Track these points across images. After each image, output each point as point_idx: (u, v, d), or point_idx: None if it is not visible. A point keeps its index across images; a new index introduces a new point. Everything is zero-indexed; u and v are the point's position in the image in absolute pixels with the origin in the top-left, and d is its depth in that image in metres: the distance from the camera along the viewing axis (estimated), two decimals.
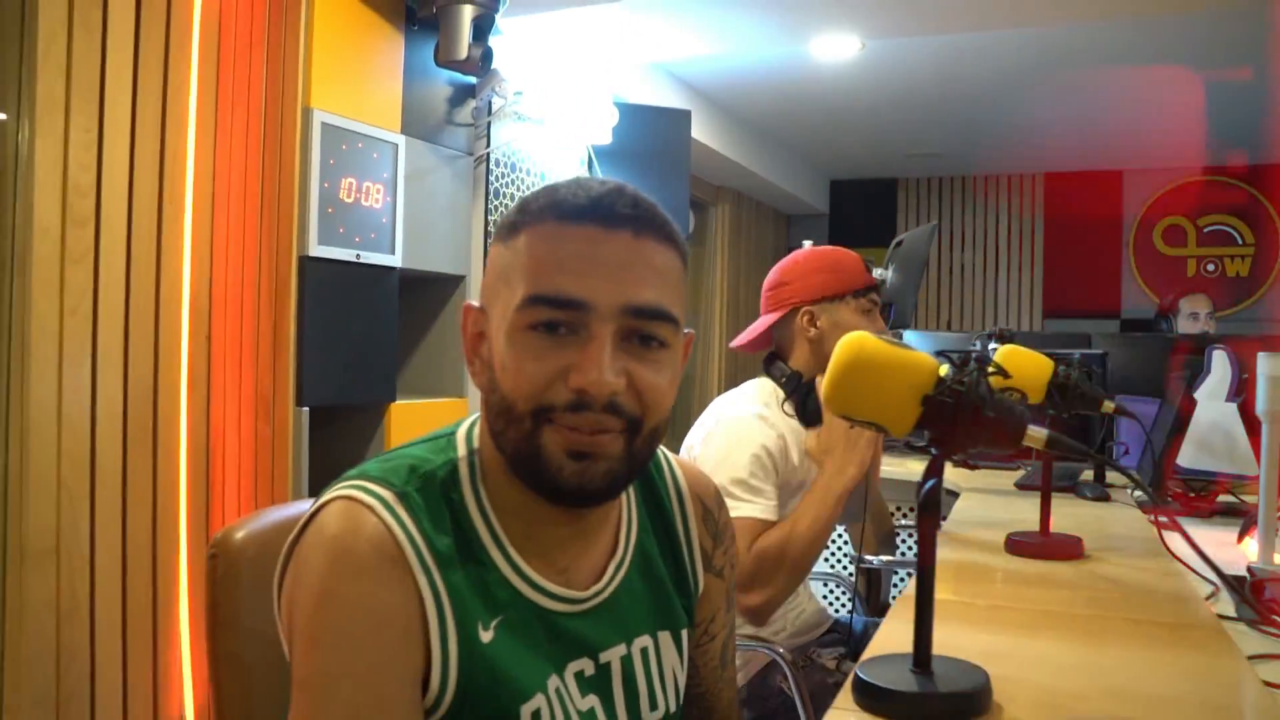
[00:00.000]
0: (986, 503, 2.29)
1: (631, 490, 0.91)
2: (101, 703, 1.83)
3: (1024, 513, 1.73)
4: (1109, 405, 1.76)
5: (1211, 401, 2.39)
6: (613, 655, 0.85)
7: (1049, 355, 1.80)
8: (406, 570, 0.74)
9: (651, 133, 2.99)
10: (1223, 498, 2.23)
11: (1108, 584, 1.50)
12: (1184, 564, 1.62)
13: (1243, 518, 1.93)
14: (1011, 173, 5.45)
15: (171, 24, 1.93)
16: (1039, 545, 1.68)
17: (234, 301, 2.02)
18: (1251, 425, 2.19)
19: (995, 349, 2.13)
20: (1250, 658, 1.14)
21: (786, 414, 1.64)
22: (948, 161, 5.35)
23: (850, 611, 2.30)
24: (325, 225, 2.01)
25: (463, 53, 2.09)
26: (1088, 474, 2.57)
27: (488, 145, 2.47)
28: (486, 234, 2.66)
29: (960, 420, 0.90)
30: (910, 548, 3.05)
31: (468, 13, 2.07)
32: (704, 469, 1.56)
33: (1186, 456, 2.65)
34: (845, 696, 0.95)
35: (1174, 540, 1.94)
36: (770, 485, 1.57)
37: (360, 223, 2.08)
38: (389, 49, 2.17)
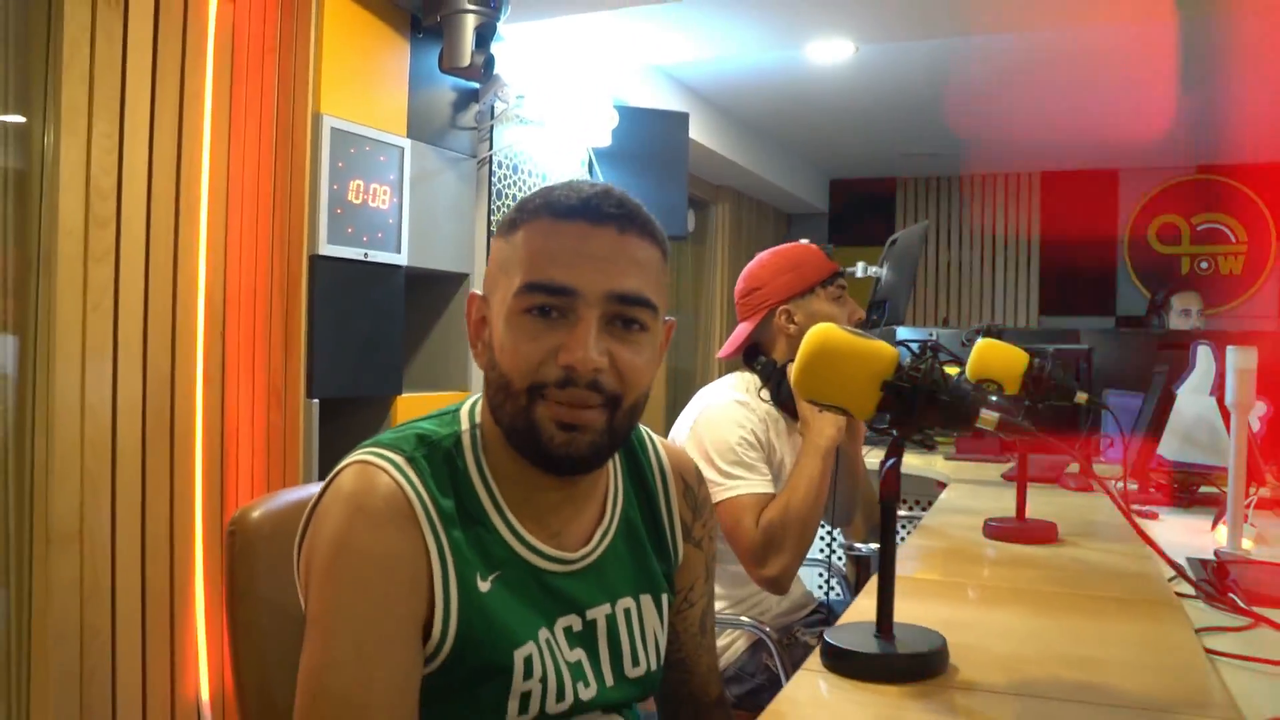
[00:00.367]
0: (973, 492, 2.36)
1: (618, 465, 1.00)
2: (122, 679, 1.91)
3: (1007, 501, 1.80)
4: (1081, 396, 1.83)
5: (1196, 396, 2.45)
6: (598, 613, 0.93)
7: (1027, 350, 1.88)
8: (415, 525, 0.83)
9: (650, 134, 3.06)
10: (1205, 488, 2.29)
11: (1076, 565, 1.58)
12: (1154, 547, 1.69)
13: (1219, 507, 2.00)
14: (1008, 172, 5.49)
15: (188, 34, 2.01)
16: (1015, 530, 1.75)
17: (247, 298, 2.10)
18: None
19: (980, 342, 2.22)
20: (1199, 630, 1.22)
21: (763, 400, 1.74)
22: (945, 161, 5.38)
23: (828, 592, 2.38)
24: (334, 225, 2.07)
25: (466, 60, 2.16)
26: (1074, 467, 2.64)
27: (490, 148, 2.54)
28: (489, 233, 2.74)
29: (916, 404, 0.98)
30: (902, 539, 3.13)
31: (470, 21, 2.14)
32: (694, 456, 1.65)
33: (1171, 449, 2.72)
34: (814, 659, 1.03)
35: (1147, 527, 2.02)
36: (762, 462, 1.66)
37: (368, 223, 2.15)
38: (395, 56, 2.24)
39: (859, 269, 3.70)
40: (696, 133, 3.86)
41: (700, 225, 4.86)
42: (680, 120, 3.14)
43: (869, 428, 1.54)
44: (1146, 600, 1.33)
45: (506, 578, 0.87)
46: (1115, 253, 5.25)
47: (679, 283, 4.78)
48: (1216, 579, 1.48)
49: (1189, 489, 2.36)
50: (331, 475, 0.87)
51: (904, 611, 1.10)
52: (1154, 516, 2.16)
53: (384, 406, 2.29)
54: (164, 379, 1.99)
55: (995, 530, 1.76)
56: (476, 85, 2.39)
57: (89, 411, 1.85)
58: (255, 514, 1.20)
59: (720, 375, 1.90)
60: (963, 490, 2.46)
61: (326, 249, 2.07)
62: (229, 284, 2.11)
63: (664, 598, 1.00)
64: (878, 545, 2.40)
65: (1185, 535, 1.90)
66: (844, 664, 1.00)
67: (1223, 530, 1.83)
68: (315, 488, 0.99)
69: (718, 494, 1.63)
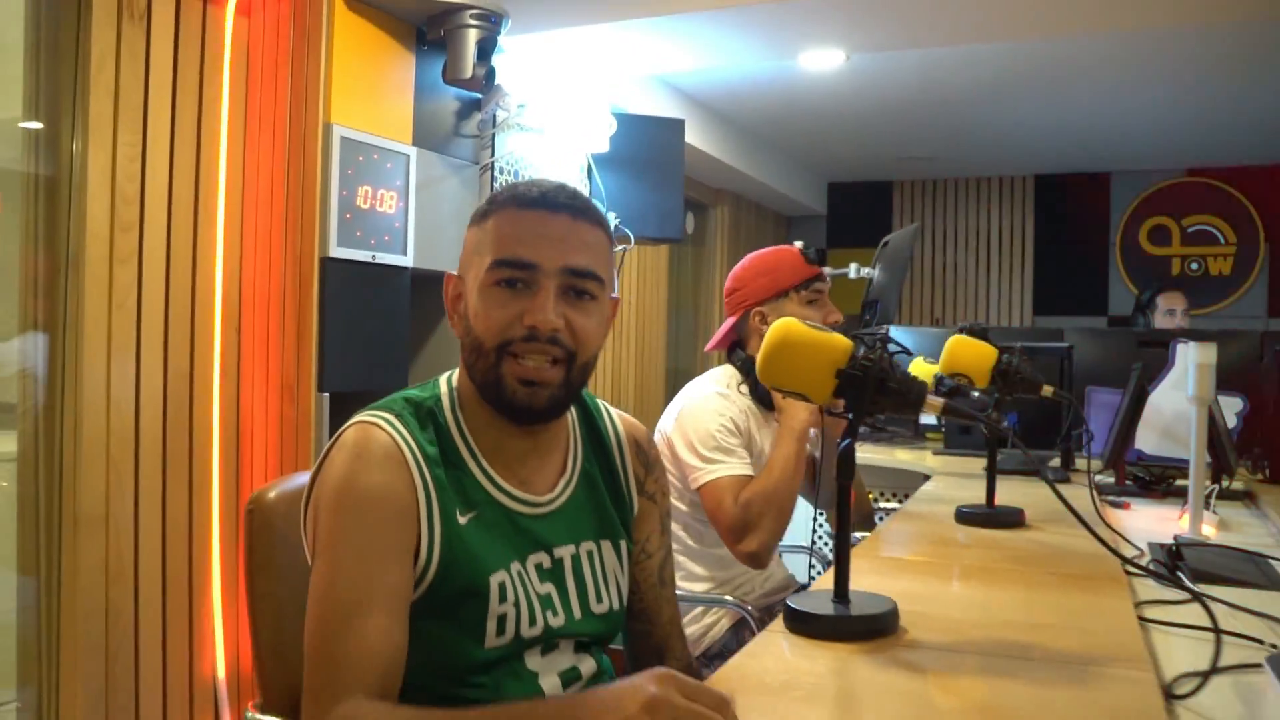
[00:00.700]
0: (955, 483, 2.46)
1: (577, 426, 1.15)
2: (144, 655, 2.02)
3: (984, 491, 1.88)
4: (1047, 390, 1.92)
5: (1174, 393, 2.53)
6: (564, 553, 1.07)
7: (998, 346, 1.99)
8: (405, 468, 0.98)
9: (647, 140, 3.14)
10: (1181, 481, 2.37)
11: (1037, 546, 1.68)
12: (1116, 532, 1.79)
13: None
14: (1003, 175, 5.56)
15: (206, 49, 2.12)
16: (984, 515, 1.85)
17: (261, 297, 2.20)
18: None
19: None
20: (1143, 602, 1.32)
21: (743, 394, 1.85)
22: (940, 164, 5.45)
23: (810, 574, 2.48)
24: (344, 229, 2.16)
25: (468, 72, 2.26)
26: (1055, 461, 2.73)
27: (492, 155, 2.64)
28: None
29: (867, 389, 1.09)
30: (881, 518, 3.22)
31: (472, 35, 2.24)
32: (679, 445, 1.76)
33: (1150, 444, 2.81)
34: (778, 622, 1.14)
35: (1119, 516, 2.12)
36: (741, 447, 1.77)
37: (375, 227, 2.24)
38: (401, 68, 2.33)
39: (851, 270, 3.79)
40: (695, 138, 3.95)
41: (699, 228, 4.96)
42: (676, 127, 3.23)
43: (827, 413, 1.64)
44: (1094, 576, 1.42)
45: (483, 517, 1.02)
46: (1107, 254, 5.32)
47: (679, 284, 4.88)
48: (1170, 560, 1.59)
49: (1164, 480, 2.45)
50: (335, 437, 1.02)
51: (868, 584, 1.20)
52: (1126, 507, 2.25)
53: None
54: (183, 373, 2.10)
55: (966, 516, 1.86)
56: (479, 95, 2.49)
57: (114, 404, 1.96)
58: (271, 494, 1.32)
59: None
60: (947, 481, 2.56)
61: (336, 251, 2.15)
62: (244, 284, 2.21)
63: (622, 544, 1.14)
64: (860, 534, 2.52)
65: (1154, 523, 1.99)
66: (803, 625, 1.11)
67: (1187, 518, 1.93)
68: None
69: (700, 477, 1.73)
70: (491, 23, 2.27)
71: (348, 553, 0.94)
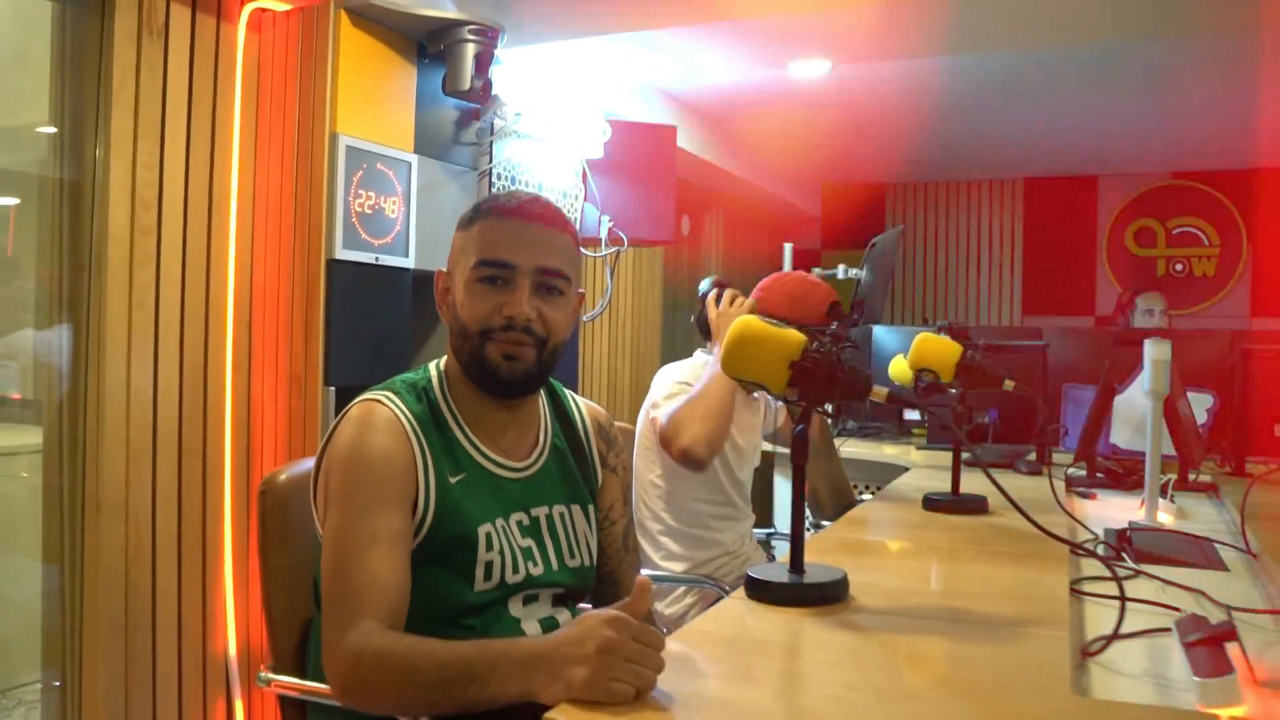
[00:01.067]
0: (930, 475, 2.57)
1: (547, 409, 1.32)
2: (161, 632, 2.14)
3: (975, 486, 1.98)
4: (1009, 384, 2.04)
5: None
6: (540, 512, 1.24)
7: (963, 343, 2.10)
8: (404, 436, 1.15)
9: (640, 147, 3.25)
10: None
11: (993, 530, 1.79)
12: (1076, 519, 1.90)
13: None
14: (992, 178, 5.64)
15: (219, 64, 2.23)
16: (949, 502, 1.97)
17: (271, 297, 2.31)
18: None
19: (945, 338, 2.44)
20: (1083, 578, 1.43)
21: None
22: (930, 169, 5.52)
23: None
24: (349, 233, 2.25)
25: (466, 84, 2.37)
26: (1032, 456, 2.84)
27: (490, 161, 2.74)
28: None
29: (817, 379, 1.21)
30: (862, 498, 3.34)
31: (470, 50, 2.35)
32: (652, 412, 1.92)
33: (1124, 438, 2.92)
34: (740, 592, 1.26)
35: (1082, 503, 2.23)
36: (689, 390, 1.96)
37: (379, 230, 2.35)
38: (403, 80, 2.43)
39: (840, 271, 3.92)
40: (688, 143, 4.05)
41: (694, 230, 5.07)
42: (668, 133, 3.33)
43: (783, 401, 1.81)
44: (1041, 556, 1.53)
45: (471, 478, 1.18)
46: (1094, 255, 5.41)
47: (675, 284, 4.99)
48: (1118, 542, 1.70)
49: (1135, 473, 2.56)
50: (341, 414, 1.19)
51: (829, 560, 1.32)
52: (1093, 497, 2.36)
53: None
54: (198, 368, 2.21)
55: (932, 504, 1.98)
56: (477, 105, 2.59)
57: (133, 396, 2.08)
58: (282, 477, 1.45)
59: None
60: (924, 473, 2.68)
61: (342, 254, 2.24)
62: (255, 284, 2.33)
63: (590, 509, 1.31)
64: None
65: (1116, 511, 2.11)
66: (761, 592, 1.23)
67: (1145, 506, 2.04)
68: None
69: (658, 420, 1.93)
70: (488, 37, 2.38)
71: (357, 503, 1.09)
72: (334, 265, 2.23)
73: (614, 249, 3.18)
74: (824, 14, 2.59)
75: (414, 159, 2.45)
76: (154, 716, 2.13)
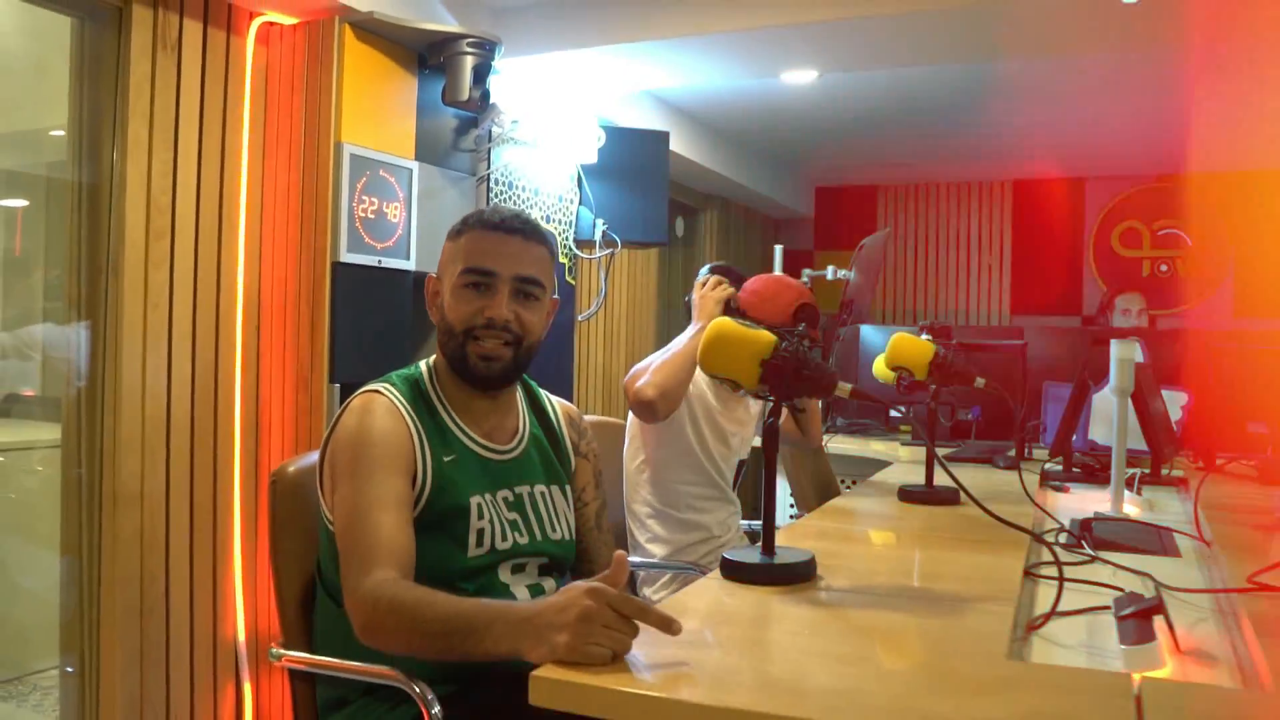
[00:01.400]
0: (912, 470, 2.67)
1: (524, 405, 1.47)
2: (174, 616, 2.24)
3: (940, 478, 2.04)
4: (980, 381, 2.13)
5: None
6: (524, 490, 1.39)
7: (938, 342, 2.20)
8: (403, 420, 1.29)
9: (634, 152, 3.35)
10: (1128, 469, 2.56)
11: (961, 519, 1.89)
12: (1043, 510, 2.00)
13: None
14: (982, 180, 5.74)
15: (229, 76, 2.33)
16: (923, 494, 2.07)
17: (279, 298, 2.40)
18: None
19: (927, 337, 2.55)
20: (1040, 562, 1.53)
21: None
22: (920, 171, 5.61)
23: None
24: (353, 236, 2.35)
25: (465, 95, 2.47)
26: (1011, 452, 2.94)
27: (488, 167, 2.85)
28: None
29: (785, 375, 1.32)
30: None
31: (469, 61, 2.45)
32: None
33: (1101, 434, 3.01)
34: (716, 573, 1.37)
35: (1054, 496, 2.33)
36: None
37: (381, 234, 2.44)
38: (404, 91, 2.52)
39: (829, 272, 4.02)
40: (682, 147, 4.15)
41: (689, 231, 5.17)
42: (661, 139, 3.44)
43: (755, 396, 1.91)
44: (1001, 542, 1.61)
45: (461, 458, 1.33)
46: (1081, 256, 5.50)
47: (669, 285, 5.08)
48: (1080, 530, 1.80)
49: (1109, 467, 2.65)
50: (343, 406, 1.33)
51: (803, 544, 1.42)
52: (1066, 490, 2.46)
53: None
54: (209, 366, 2.32)
55: (907, 495, 2.08)
56: (475, 114, 2.70)
57: (148, 393, 2.18)
58: (291, 469, 1.56)
59: None
60: (905, 468, 2.77)
61: (346, 257, 2.33)
62: (263, 286, 2.43)
63: (567, 489, 1.47)
64: None
65: (1087, 504, 2.20)
66: (734, 572, 1.33)
67: (1111, 498, 2.14)
68: None
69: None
70: (486, 50, 2.48)
71: (365, 473, 1.22)
72: (339, 268, 2.33)
73: (608, 251, 3.29)
74: (810, 26, 2.69)
75: (415, 166, 2.55)
76: (168, 698, 2.23)
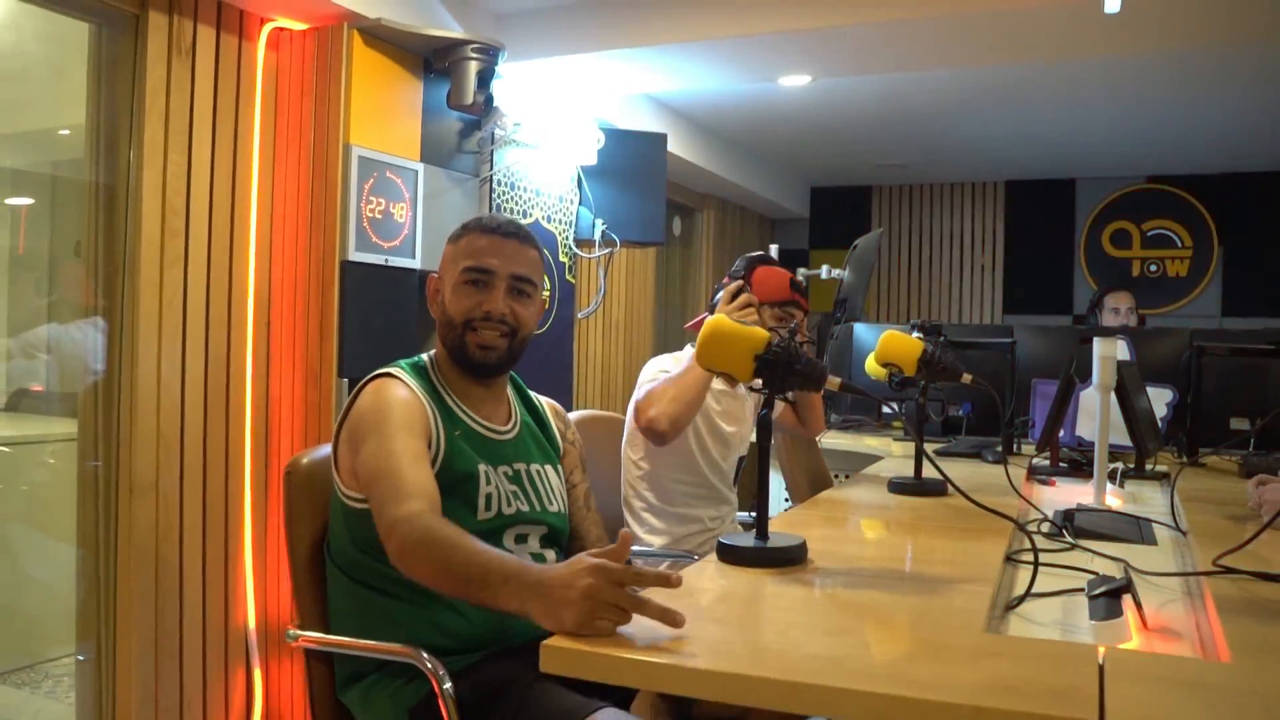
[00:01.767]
0: (903, 464, 2.73)
1: (515, 399, 1.60)
2: (187, 602, 2.31)
3: (928, 471, 2.10)
4: (967, 377, 2.20)
5: None
6: (521, 468, 1.50)
7: (926, 340, 2.28)
8: (416, 395, 1.41)
9: (632, 153, 3.42)
10: (1112, 464, 2.64)
11: (949, 509, 1.97)
12: (1028, 501, 2.07)
13: None
14: (975, 181, 5.83)
15: (240, 82, 2.40)
16: (912, 485, 2.14)
17: (289, 295, 2.47)
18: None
19: (918, 335, 2.62)
20: (1019, 551, 1.60)
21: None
22: (914, 171, 5.68)
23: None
24: (361, 236, 2.41)
25: (469, 99, 2.54)
26: (999, 447, 3.02)
27: (491, 168, 2.91)
28: None
29: (779, 370, 1.39)
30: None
31: (473, 67, 2.52)
32: (635, 397, 2.10)
33: (1088, 430, 3.08)
34: (711, 556, 1.44)
35: (1039, 489, 2.40)
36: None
37: (388, 234, 2.50)
38: (410, 94, 2.58)
39: (823, 271, 4.10)
40: (680, 148, 4.22)
41: (686, 230, 5.24)
42: (659, 141, 3.51)
43: (749, 389, 1.96)
44: (986, 530, 1.69)
45: (467, 435, 1.44)
46: (1072, 256, 5.58)
47: (667, 283, 5.16)
48: (1063, 520, 1.88)
49: (1092, 462, 2.73)
50: (355, 390, 1.44)
51: (796, 532, 1.49)
52: (1052, 483, 2.53)
53: None
54: (221, 361, 2.38)
55: (897, 486, 2.15)
56: (478, 117, 2.77)
57: (163, 387, 2.25)
58: (304, 460, 1.63)
59: None
60: (896, 462, 2.85)
61: (354, 255, 2.40)
62: (274, 284, 2.49)
63: (559, 468, 1.59)
64: None
65: (1071, 496, 2.28)
66: (729, 555, 1.41)
67: (1095, 490, 2.22)
68: None
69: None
70: (490, 55, 2.55)
71: (389, 432, 1.33)
72: (347, 266, 2.40)
73: (607, 250, 3.36)
74: (804, 33, 2.76)
75: (420, 167, 2.62)
76: (181, 684, 2.30)
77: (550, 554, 1.52)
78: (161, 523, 2.25)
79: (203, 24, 2.30)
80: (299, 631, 1.54)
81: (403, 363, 1.51)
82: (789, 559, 1.40)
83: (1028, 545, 1.62)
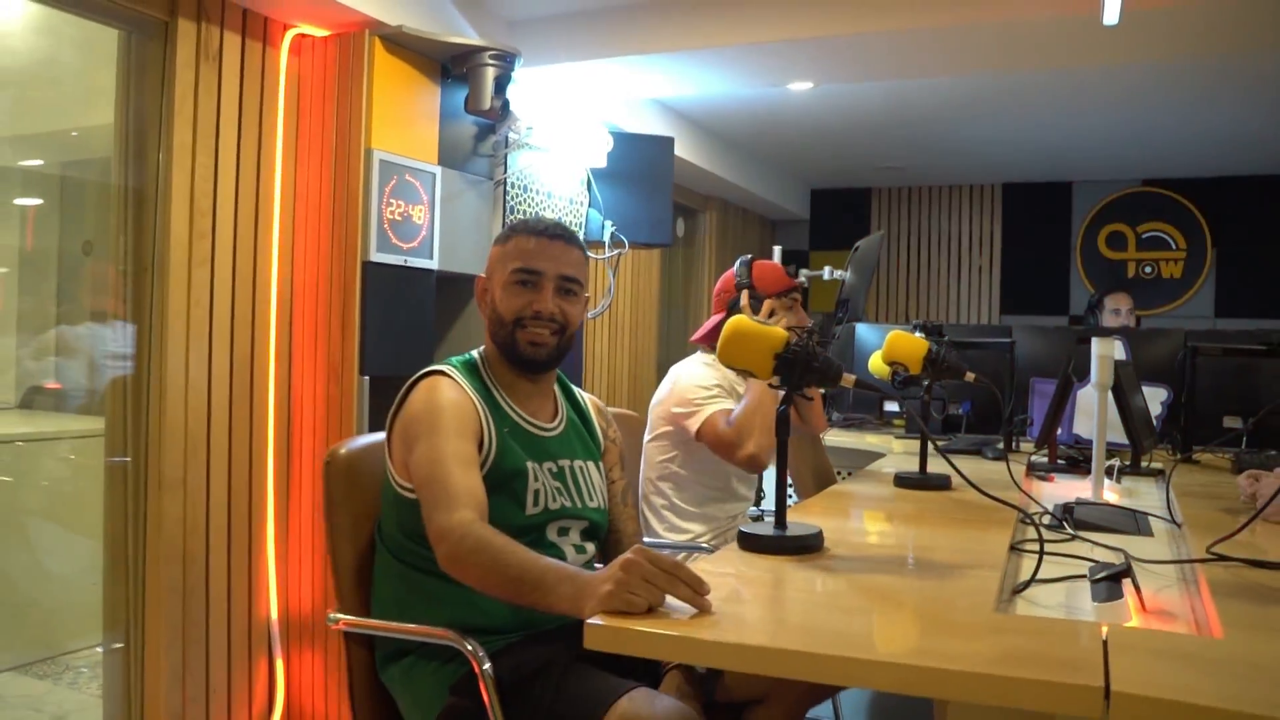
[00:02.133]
0: (905, 460, 2.81)
1: (560, 397, 1.66)
2: (213, 594, 2.38)
3: (938, 466, 2.18)
4: (970, 376, 2.28)
5: None
6: (565, 464, 1.56)
7: (931, 340, 2.35)
8: (467, 394, 1.47)
9: (640, 156, 3.49)
10: (1108, 461, 2.71)
11: (953, 501, 2.04)
12: (1028, 495, 2.15)
13: None
14: (972, 183, 5.91)
15: (264, 88, 2.46)
16: (917, 480, 2.21)
17: (311, 295, 2.53)
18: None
19: (920, 335, 2.69)
20: (1022, 541, 1.68)
21: (724, 369, 2.25)
22: (913, 174, 5.76)
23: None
24: (381, 237, 2.47)
25: (487, 104, 2.60)
26: (999, 444, 3.09)
27: (505, 171, 2.98)
28: None
29: (797, 368, 1.47)
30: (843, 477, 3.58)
31: (490, 73, 2.58)
32: (674, 406, 2.17)
33: (1085, 428, 3.16)
34: (733, 545, 1.51)
35: (1039, 484, 2.47)
36: (721, 396, 2.19)
37: (407, 235, 2.56)
38: (429, 99, 2.64)
39: (825, 272, 4.17)
40: (684, 150, 4.28)
41: (689, 231, 5.31)
42: (666, 144, 3.58)
43: (770, 385, 2.03)
44: (990, 521, 1.76)
45: (514, 432, 1.51)
46: (1068, 257, 5.67)
47: (670, 283, 5.22)
48: (1062, 513, 1.96)
49: (1090, 459, 2.80)
50: (406, 388, 1.50)
51: (808, 522, 1.56)
52: (1050, 479, 2.61)
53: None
54: (246, 360, 2.44)
55: (902, 480, 2.23)
56: (494, 121, 2.84)
57: (190, 385, 2.31)
58: (342, 451, 1.70)
59: None
60: (898, 458, 2.93)
61: (375, 256, 2.46)
62: (297, 284, 2.55)
63: (600, 465, 1.65)
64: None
65: (1070, 491, 2.35)
66: (751, 543, 1.48)
67: (1093, 484, 2.29)
68: (378, 436, 1.61)
69: (694, 422, 2.16)
70: (506, 62, 2.62)
71: (441, 433, 1.39)
72: (368, 267, 2.46)
73: (616, 252, 3.43)
74: (808, 41, 2.84)
75: (438, 170, 2.68)
76: (207, 673, 2.37)
77: (590, 547, 1.59)
78: (189, 517, 2.31)
79: (229, 30, 2.36)
80: (339, 615, 1.60)
81: (454, 360, 1.57)
82: (807, 546, 1.47)
83: (1030, 536, 1.71)
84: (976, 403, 3.58)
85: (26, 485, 3.29)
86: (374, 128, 2.47)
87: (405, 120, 2.58)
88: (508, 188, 2.98)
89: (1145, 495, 2.35)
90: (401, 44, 2.56)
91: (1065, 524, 1.85)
